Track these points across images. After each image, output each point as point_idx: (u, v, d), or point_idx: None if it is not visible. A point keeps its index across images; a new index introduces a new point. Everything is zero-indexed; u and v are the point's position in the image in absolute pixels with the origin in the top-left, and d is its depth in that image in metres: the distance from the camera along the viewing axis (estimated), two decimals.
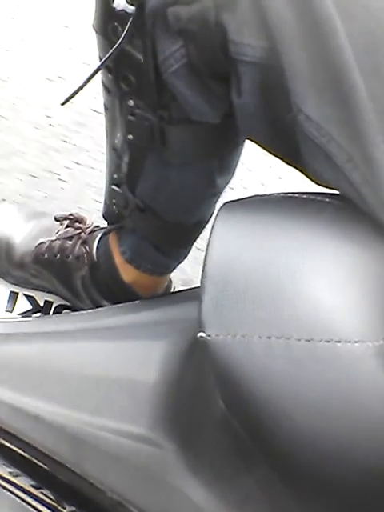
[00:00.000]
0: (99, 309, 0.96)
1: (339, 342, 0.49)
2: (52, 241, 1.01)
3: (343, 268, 0.52)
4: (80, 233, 0.99)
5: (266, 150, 0.67)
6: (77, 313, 0.99)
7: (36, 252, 1.02)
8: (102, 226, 1.00)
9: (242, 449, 0.57)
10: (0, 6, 1.45)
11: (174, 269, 0.95)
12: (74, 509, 0.71)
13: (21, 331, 0.82)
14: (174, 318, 0.76)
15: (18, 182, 1.31)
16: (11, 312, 1.06)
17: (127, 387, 0.70)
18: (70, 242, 0.99)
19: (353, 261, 0.52)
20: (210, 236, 0.57)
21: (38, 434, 0.71)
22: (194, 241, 0.90)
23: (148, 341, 0.73)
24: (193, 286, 0.83)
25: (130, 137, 0.78)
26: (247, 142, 0.74)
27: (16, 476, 0.71)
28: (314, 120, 0.56)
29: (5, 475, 0.71)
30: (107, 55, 0.70)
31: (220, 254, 0.56)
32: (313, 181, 0.62)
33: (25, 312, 1.06)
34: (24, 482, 0.71)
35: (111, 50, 0.69)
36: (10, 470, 0.72)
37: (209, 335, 0.53)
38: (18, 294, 1.07)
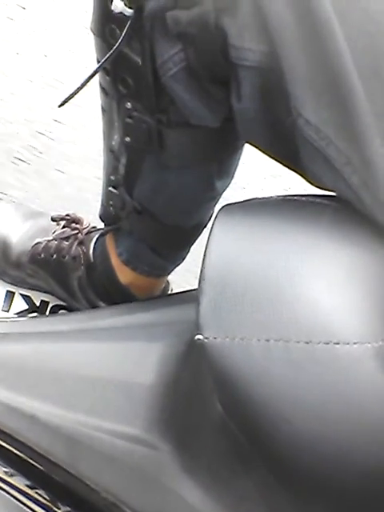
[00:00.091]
0: (95, 309, 0.97)
1: (338, 343, 0.49)
2: (48, 241, 1.01)
3: (342, 270, 0.52)
4: (77, 233, 0.99)
5: (265, 153, 0.67)
6: (73, 313, 0.99)
7: (32, 252, 1.02)
8: (98, 226, 1.00)
9: (239, 451, 0.57)
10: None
11: (172, 271, 0.95)
12: (68, 509, 0.71)
13: (17, 331, 0.82)
14: (171, 320, 0.76)
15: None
16: (7, 311, 1.06)
17: (123, 388, 0.70)
18: (66, 243, 0.99)
19: (352, 263, 0.53)
20: (208, 239, 0.57)
21: (33, 433, 0.71)
22: (192, 244, 0.90)
23: (144, 342, 0.73)
24: (190, 289, 0.83)
25: (128, 139, 0.77)
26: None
27: (11, 476, 0.71)
28: (313, 123, 0.56)
29: (0, 475, 0.71)
30: (105, 58, 0.70)
31: (218, 257, 0.56)
32: (312, 184, 0.62)
33: (21, 312, 1.06)
34: (19, 481, 0.71)
35: (109, 53, 0.69)
36: (5, 469, 0.72)
37: (206, 338, 0.53)
38: (14, 293, 1.07)
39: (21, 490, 0.70)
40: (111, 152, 0.82)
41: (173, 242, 0.89)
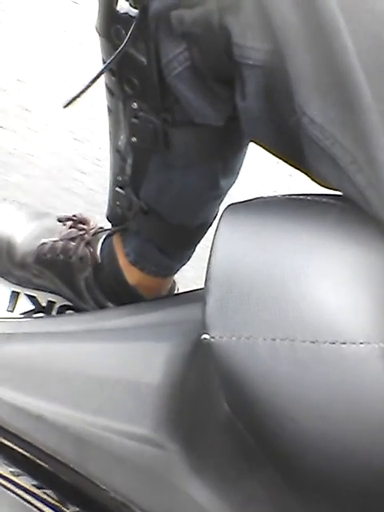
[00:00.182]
0: (103, 310, 0.97)
1: (344, 343, 0.49)
2: (55, 241, 1.01)
3: (348, 270, 0.52)
4: (84, 234, 0.99)
5: (270, 152, 0.67)
6: (80, 313, 0.99)
7: (38, 252, 1.02)
8: (105, 227, 1.00)
9: (246, 450, 0.57)
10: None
11: (178, 270, 0.95)
12: (77, 509, 0.71)
13: (23, 331, 0.82)
14: (178, 320, 0.76)
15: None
16: (12, 312, 1.05)
17: (131, 388, 0.70)
18: (73, 243, 0.99)
19: (357, 263, 0.52)
20: (213, 238, 0.57)
21: (40, 434, 0.71)
22: (198, 243, 0.90)
23: (151, 342, 0.74)
24: (196, 288, 0.83)
25: (134, 139, 0.78)
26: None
27: (18, 476, 0.71)
28: (318, 123, 0.56)
29: (6, 475, 0.71)
30: (111, 58, 0.70)
31: (224, 256, 0.56)
32: (317, 183, 0.62)
33: (27, 312, 1.06)
34: (26, 481, 0.71)
35: (115, 53, 0.69)
36: (11, 469, 0.72)
37: (213, 337, 0.53)
38: (19, 293, 1.07)
39: (28, 490, 0.70)
40: (118, 152, 0.83)
41: (179, 241, 0.89)
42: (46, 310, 1.07)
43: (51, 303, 1.06)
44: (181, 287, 1.04)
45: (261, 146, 0.68)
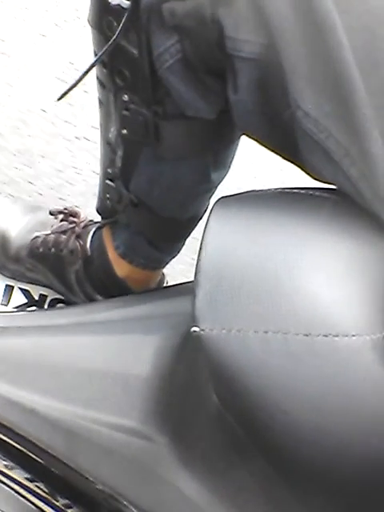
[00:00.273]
0: (93, 303, 0.97)
1: (337, 336, 0.49)
2: (47, 235, 1.01)
3: (341, 263, 0.52)
4: (74, 227, 0.99)
5: (263, 145, 0.67)
6: (70, 306, 0.99)
7: (31, 246, 1.02)
8: (96, 220, 1.00)
9: (236, 442, 0.57)
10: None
11: (167, 263, 0.95)
12: (67, 502, 0.71)
13: (16, 325, 0.82)
14: (167, 313, 0.76)
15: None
16: (6, 305, 1.06)
17: (120, 381, 0.70)
18: (64, 236, 0.99)
19: (351, 256, 0.53)
20: (204, 231, 0.57)
21: (33, 427, 0.71)
22: (188, 236, 0.90)
23: (141, 335, 0.73)
24: (185, 281, 0.83)
25: (125, 131, 0.77)
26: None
27: (11, 469, 0.71)
28: (312, 116, 0.57)
29: (0, 468, 0.71)
30: (103, 50, 0.70)
31: (215, 249, 0.55)
32: (311, 176, 0.63)
33: (20, 305, 1.06)
34: (19, 474, 0.71)
35: (107, 45, 0.69)
36: (5, 462, 0.72)
37: (203, 329, 0.53)
38: (13, 287, 1.07)
39: (20, 483, 0.70)
40: (108, 144, 0.82)
41: (169, 234, 0.89)
42: (38, 303, 1.07)
43: (43, 296, 1.07)
44: (170, 280, 1.04)
45: (253, 138, 0.68)
